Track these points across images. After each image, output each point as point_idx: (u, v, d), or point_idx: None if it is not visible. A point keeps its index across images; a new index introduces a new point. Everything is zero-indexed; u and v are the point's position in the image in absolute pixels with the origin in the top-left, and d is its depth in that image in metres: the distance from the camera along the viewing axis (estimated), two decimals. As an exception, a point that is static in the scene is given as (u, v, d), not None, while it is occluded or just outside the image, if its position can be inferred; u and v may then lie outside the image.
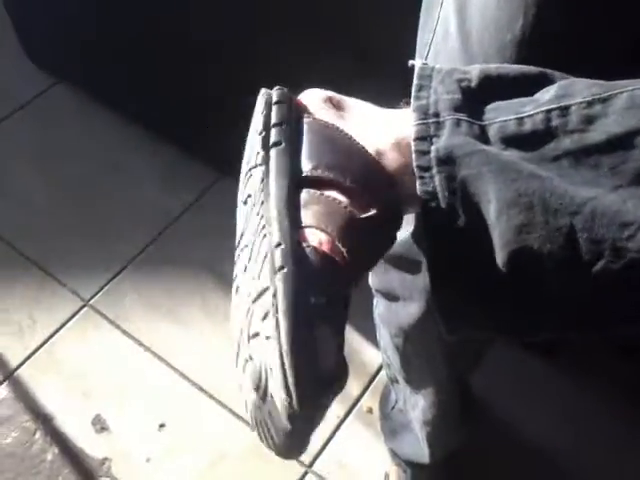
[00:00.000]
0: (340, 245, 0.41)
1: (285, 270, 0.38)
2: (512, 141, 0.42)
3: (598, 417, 1.13)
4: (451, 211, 0.41)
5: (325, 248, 0.40)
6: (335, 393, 0.38)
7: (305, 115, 0.45)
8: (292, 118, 0.45)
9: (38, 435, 1.11)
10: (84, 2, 1.33)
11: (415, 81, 0.45)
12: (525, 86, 0.44)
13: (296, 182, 0.42)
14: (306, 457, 1.09)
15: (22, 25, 1.51)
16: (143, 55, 1.31)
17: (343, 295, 0.41)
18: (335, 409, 1.14)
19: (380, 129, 0.45)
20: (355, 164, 0.43)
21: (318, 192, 0.42)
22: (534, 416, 1.13)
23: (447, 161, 0.41)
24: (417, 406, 0.84)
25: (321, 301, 0.38)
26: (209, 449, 1.10)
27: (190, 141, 1.38)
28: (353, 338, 1.21)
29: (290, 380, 0.36)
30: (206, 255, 1.30)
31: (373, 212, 0.42)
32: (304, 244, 0.40)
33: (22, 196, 1.38)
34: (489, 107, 0.43)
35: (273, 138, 0.44)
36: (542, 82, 0.44)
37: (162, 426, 1.13)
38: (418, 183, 0.42)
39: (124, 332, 1.22)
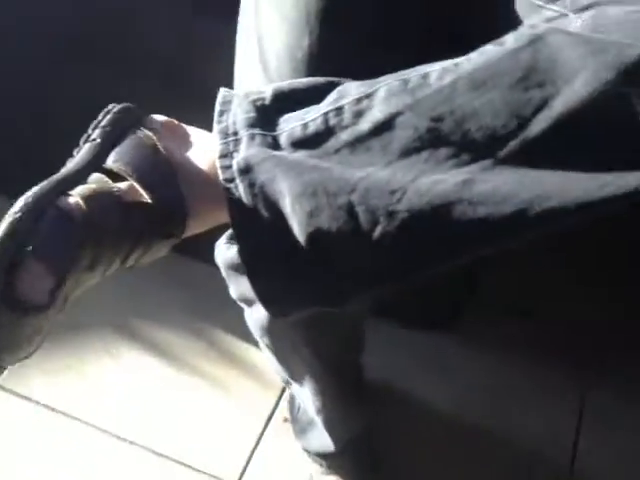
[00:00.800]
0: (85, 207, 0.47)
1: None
2: (299, 144, 0.49)
3: (498, 382, 1.23)
4: (256, 213, 0.48)
5: (72, 207, 0.47)
6: (31, 323, 0.46)
7: (137, 130, 0.52)
8: (120, 126, 0.52)
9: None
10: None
11: (217, 108, 0.52)
12: (316, 96, 0.52)
13: (92, 169, 0.50)
14: (231, 476, 1.13)
15: None
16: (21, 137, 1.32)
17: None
18: (253, 425, 1.19)
19: (201, 153, 0.51)
20: (149, 168, 0.50)
21: (105, 178, 0.50)
22: (435, 389, 1.21)
23: (246, 170, 0.48)
24: (308, 397, 0.91)
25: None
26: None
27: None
28: (262, 354, 1.26)
29: None
30: (107, 310, 1.33)
31: (142, 200, 0.50)
32: (58, 203, 0.47)
33: None
34: (281, 119, 0.50)
35: (93, 136, 0.51)
36: (330, 90, 0.52)
37: (89, 484, 1.14)
38: (225, 194, 0.48)
39: (37, 403, 1.23)
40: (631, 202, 0.45)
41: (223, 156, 0.49)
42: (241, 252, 0.49)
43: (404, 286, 0.51)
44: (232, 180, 0.48)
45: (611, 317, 1.33)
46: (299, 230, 0.47)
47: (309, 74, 0.61)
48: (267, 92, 0.52)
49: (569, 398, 1.21)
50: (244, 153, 0.48)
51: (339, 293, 0.50)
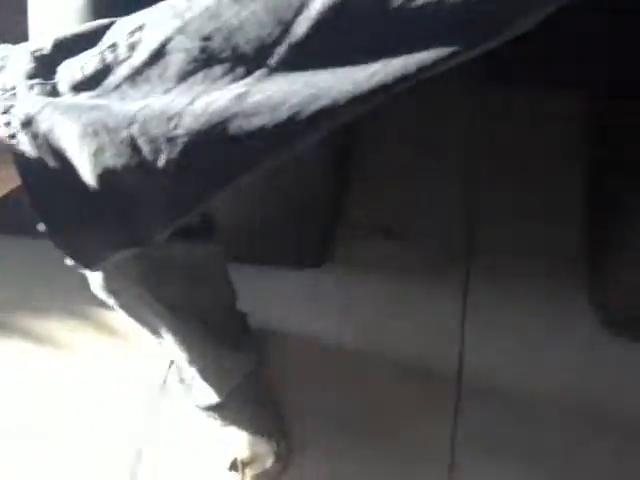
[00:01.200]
0: None
1: None
2: (79, 87, 0.48)
3: (377, 304, 1.25)
4: (44, 165, 0.47)
5: None
6: None
7: None
8: None
9: None
10: None
11: None
12: (97, 39, 0.50)
13: None
14: (131, 452, 1.11)
15: None
16: None
17: None
18: (147, 393, 1.17)
19: None
20: None
21: None
22: (318, 322, 1.23)
23: (27, 123, 0.47)
24: (175, 350, 0.90)
25: None
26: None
27: None
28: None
29: None
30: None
31: None
32: None
33: None
34: (62, 66, 0.49)
35: None
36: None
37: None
38: (13, 150, 0.47)
39: None
40: (403, 87, 0.46)
41: (4, 112, 0.47)
42: (35, 208, 0.48)
43: (202, 210, 0.51)
44: (15, 135, 0.47)
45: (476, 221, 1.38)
46: (88, 174, 0.47)
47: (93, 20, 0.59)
48: (47, 42, 0.50)
49: (450, 304, 1.25)
50: (22, 106, 0.47)
51: (141, 231, 0.49)
